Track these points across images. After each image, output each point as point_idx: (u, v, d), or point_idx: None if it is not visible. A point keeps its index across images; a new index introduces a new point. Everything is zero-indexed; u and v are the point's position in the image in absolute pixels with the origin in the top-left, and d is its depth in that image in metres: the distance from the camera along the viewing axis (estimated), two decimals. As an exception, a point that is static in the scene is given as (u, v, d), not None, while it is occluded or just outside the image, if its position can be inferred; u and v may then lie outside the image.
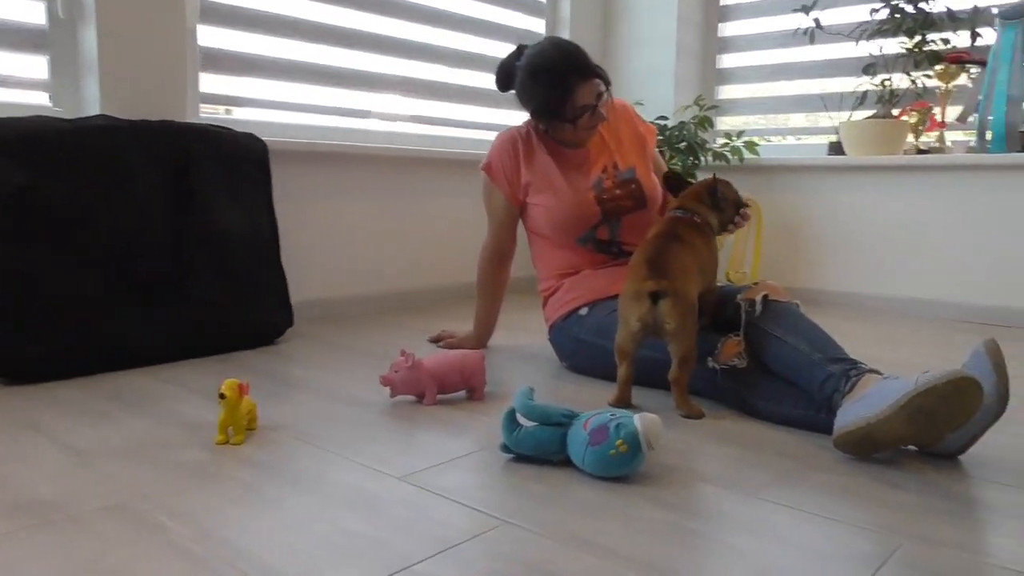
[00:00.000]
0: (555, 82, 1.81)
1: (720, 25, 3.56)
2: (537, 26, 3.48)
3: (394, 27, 2.88)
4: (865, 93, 2.94)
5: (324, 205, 2.63)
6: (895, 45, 2.86)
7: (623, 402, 1.60)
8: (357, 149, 2.66)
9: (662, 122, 3.14)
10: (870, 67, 2.94)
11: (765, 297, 1.61)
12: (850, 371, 1.36)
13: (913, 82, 2.83)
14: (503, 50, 3.33)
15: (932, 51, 2.75)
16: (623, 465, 1.20)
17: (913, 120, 2.83)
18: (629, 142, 2.02)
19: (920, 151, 2.85)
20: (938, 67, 2.78)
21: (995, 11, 2.63)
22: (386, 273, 2.85)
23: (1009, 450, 1.35)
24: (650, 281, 1.52)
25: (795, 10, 3.03)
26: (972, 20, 2.72)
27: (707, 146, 3.16)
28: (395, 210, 2.87)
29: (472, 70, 3.20)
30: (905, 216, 2.87)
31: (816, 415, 1.44)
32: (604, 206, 1.92)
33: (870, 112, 2.95)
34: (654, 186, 1.98)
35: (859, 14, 3.01)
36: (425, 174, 2.95)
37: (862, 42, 2.90)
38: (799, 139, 3.39)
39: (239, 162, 2.15)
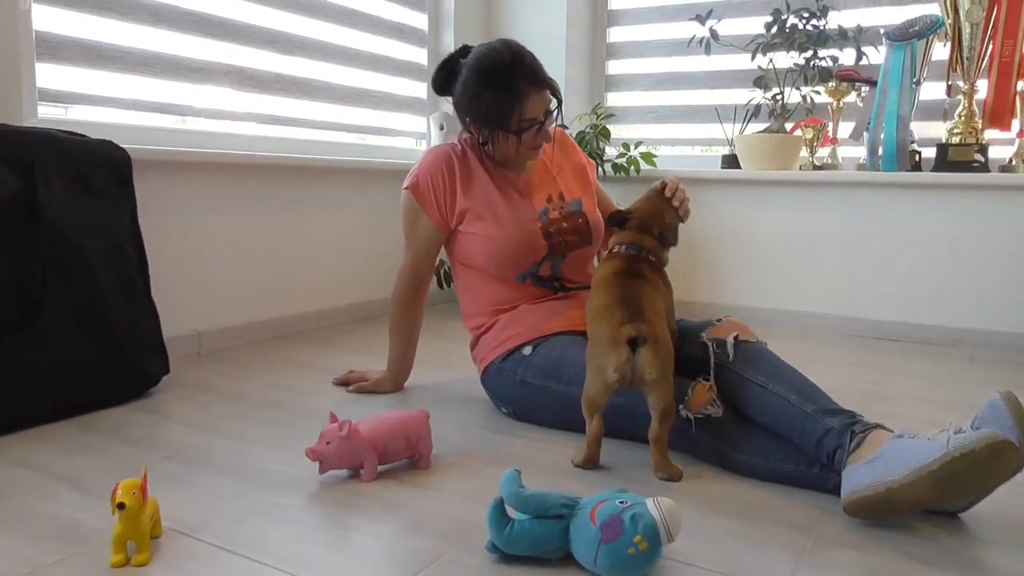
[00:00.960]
0: (504, 85, 1.60)
1: (609, 30, 3.47)
2: (418, 21, 3.23)
3: (272, 18, 2.54)
4: (758, 107, 2.94)
5: (193, 222, 2.26)
6: (786, 59, 2.88)
7: (591, 461, 1.42)
8: (229, 157, 2.30)
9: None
10: (760, 80, 2.95)
11: (736, 337, 1.49)
12: (853, 425, 1.26)
13: (804, 98, 2.86)
14: (385, 46, 3.05)
15: (823, 67, 2.79)
16: (643, 564, 1.02)
17: (809, 136, 2.86)
18: (571, 171, 1.85)
19: (816, 167, 2.89)
20: (830, 84, 2.82)
21: (882, 31, 2.70)
22: (270, 298, 2.51)
23: (1008, 505, 1.30)
24: (629, 326, 1.35)
25: (690, 19, 2.98)
26: (856, 39, 2.78)
27: (604, 157, 3.05)
28: (278, 225, 2.53)
29: (358, 68, 2.89)
30: (800, 231, 2.91)
31: (807, 470, 1.33)
32: (551, 240, 1.73)
33: (763, 126, 2.96)
34: (599, 221, 1.81)
35: (753, 26, 3.01)
36: (310, 184, 2.63)
37: (755, 55, 2.90)
38: (690, 150, 3.37)
39: (95, 175, 1.75)
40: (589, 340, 1.45)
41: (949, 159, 2.60)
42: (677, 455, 1.44)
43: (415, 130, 3.24)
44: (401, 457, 1.40)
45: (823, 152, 2.92)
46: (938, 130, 2.76)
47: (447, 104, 3.25)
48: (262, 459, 1.43)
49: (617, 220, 1.66)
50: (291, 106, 2.65)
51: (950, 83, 2.64)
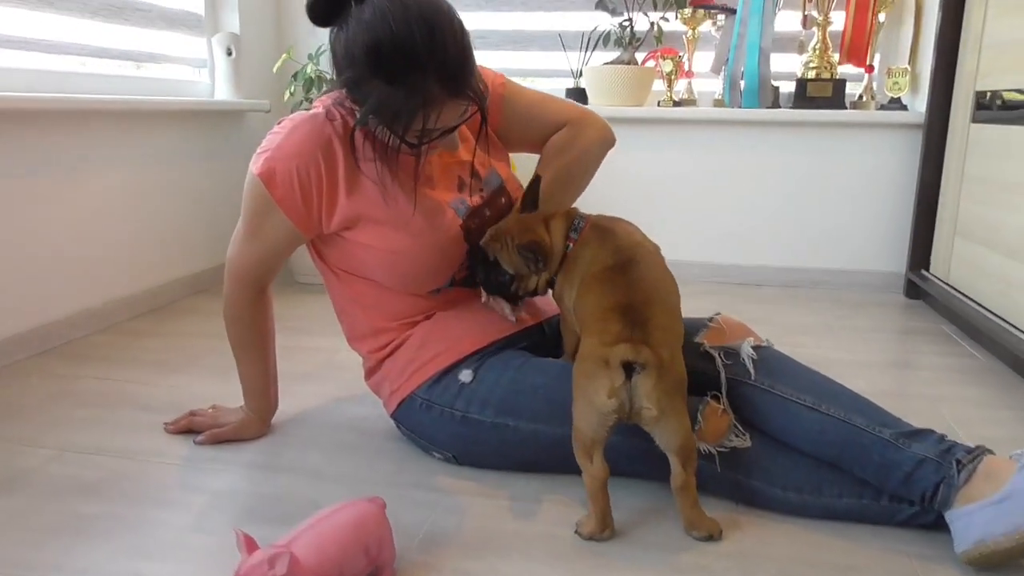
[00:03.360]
0: (406, 81, 1.02)
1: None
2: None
3: None
4: (607, 34, 2.63)
5: None
6: (634, -19, 2.59)
7: (605, 526, 1.06)
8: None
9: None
10: (601, 3, 2.64)
11: (752, 344, 1.20)
12: (952, 452, 1.02)
13: (652, 24, 2.60)
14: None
15: (676, -9, 2.53)
16: None
17: (668, 69, 2.61)
18: (479, 124, 1.27)
19: (676, 103, 2.66)
20: (685, 11, 2.58)
21: (740, -46, 2.49)
22: (15, 299, 1.76)
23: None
24: (625, 346, 0.99)
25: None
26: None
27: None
28: (13, 195, 1.76)
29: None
30: (655, 173, 2.69)
31: (872, 504, 1.09)
32: (472, 239, 1.25)
33: (607, 56, 2.66)
34: (519, 188, 1.35)
35: (594, -59, 2.65)
36: (52, 134, 1.87)
37: (600, -25, 2.57)
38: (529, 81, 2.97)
39: None
40: (577, 357, 1.07)
41: (807, 94, 2.50)
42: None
43: (192, 55, 2.50)
44: (359, 579, 0.93)
45: (678, 86, 2.70)
46: (791, 63, 2.65)
47: (232, 17, 2.55)
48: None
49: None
50: (8, 20, 1.84)
51: (806, 14, 2.52)
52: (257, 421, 1.37)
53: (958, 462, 1.01)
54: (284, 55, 2.33)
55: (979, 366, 1.85)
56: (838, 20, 2.53)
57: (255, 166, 1.17)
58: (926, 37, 2.42)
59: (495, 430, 1.21)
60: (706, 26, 2.65)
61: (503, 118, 1.34)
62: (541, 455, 1.21)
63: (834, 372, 1.21)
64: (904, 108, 2.49)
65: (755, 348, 1.20)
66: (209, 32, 2.52)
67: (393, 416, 1.32)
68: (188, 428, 1.37)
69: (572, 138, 1.33)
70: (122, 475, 1.21)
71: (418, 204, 1.20)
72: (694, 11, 2.59)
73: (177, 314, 2.14)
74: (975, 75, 2.14)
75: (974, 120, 2.14)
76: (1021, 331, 1.80)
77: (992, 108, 2.05)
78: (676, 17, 2.62)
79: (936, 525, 1.05)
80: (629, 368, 0.99)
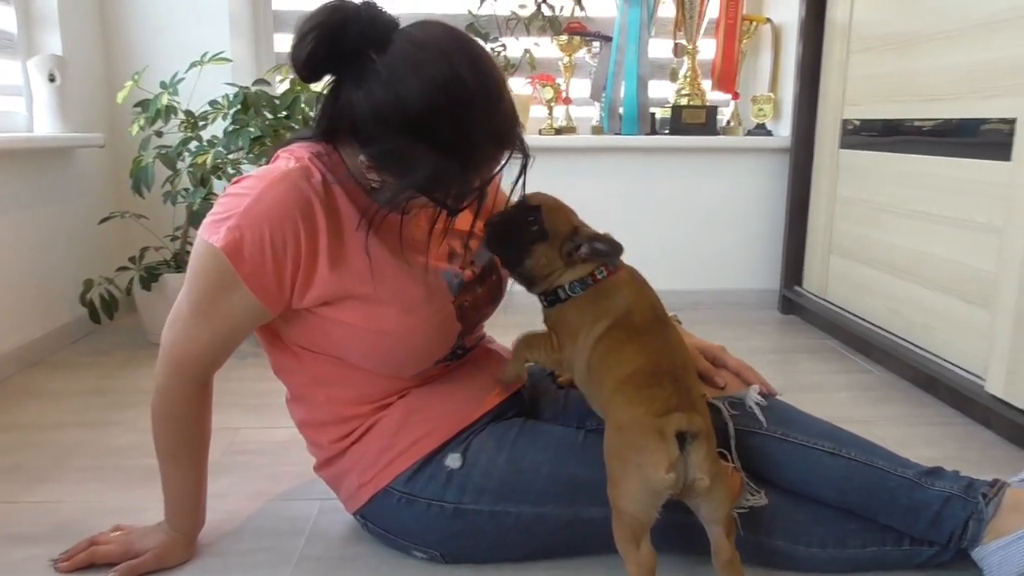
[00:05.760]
0: (459, 144, 0.89)
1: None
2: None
3: None
4: (480, 60, 2.53)
5: None
6: (505, 6, 2.52)
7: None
8: None
9: (268, 89, 2.16)
10: (471, 27, 2.54)
11: (760, 392, 1.15)
12: (973, 484, 1.03)
13: (526, 51, 2.54)
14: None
15: (552, 17, 2.49)
16: None
17: (548, 96, 2.55)
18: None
19: (558, 131, 2.60)
20: (560, 38, 2.54)
21: (613, -17, 2.49)
22: None
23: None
24: (679, 415, 0.91)
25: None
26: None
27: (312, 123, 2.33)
28: None
29: None
30: (538, 201, 2.62)
31: (893, 550, 1.07)
32: (466, 319, 1.10)
33: (483, 82, 2.57)
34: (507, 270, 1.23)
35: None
36: None
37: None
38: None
39: None
40: (613, 426, 0.97)
41: (683, 120, 2.55)
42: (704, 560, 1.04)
43: (4, 82, 2.09)
44: None
45: (556, 112, 2.65)
46: (664, 90, 2.69)
47: (52, 37, 2.18)
48: None
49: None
50: None
51: (677, 42, 2.57)
52: (183, 542, 1.11)
53: (984, 496, 1.01)
54: (130, 83, 2.00)
55: (880, 381, 1.94)
56: (705, 48, 2.60)
57: (214, 237, 0.93)
58: (786, 66, 2.56)
59: (494, 520, 1.06)
60: (581, 53, 2.63)
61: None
62: (547, 540, 1.08)
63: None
64: (769, 133, 2.61)
65: (761, 395, 1.15)
66: (24, 54, 2.12)
67: (359, 513, 1.12)
68: (90, 562, 1.08)
69: None
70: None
71: (415, 276, 1.03)
72: (570, 38, 2.56)
73: (12, 398, 1.75)
74: (841, 103, 2.28)
75: (842, 146, 2.28)
76: (916, 346, 1.91)
77: (860, 134, 2.18)
78: (551, 42, 2.58)
79: (953, 563, 1.05)
80: (681, 439, 0.90)
